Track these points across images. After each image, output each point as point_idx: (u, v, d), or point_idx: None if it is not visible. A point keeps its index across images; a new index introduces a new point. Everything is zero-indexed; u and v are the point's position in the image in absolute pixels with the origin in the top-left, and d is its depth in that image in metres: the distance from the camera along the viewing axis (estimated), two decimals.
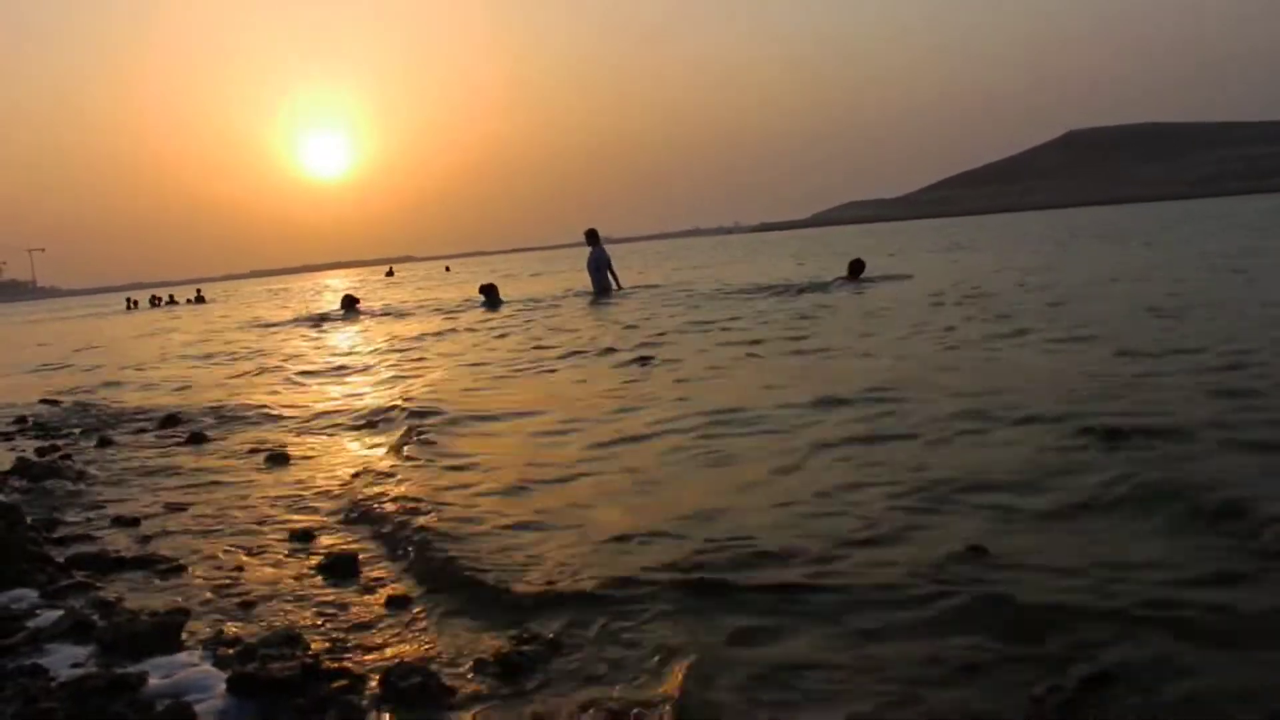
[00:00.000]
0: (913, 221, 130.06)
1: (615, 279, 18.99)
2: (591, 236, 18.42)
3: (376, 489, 4.94)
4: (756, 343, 9.67)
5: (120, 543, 4.40)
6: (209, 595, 3.59)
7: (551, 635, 2.91)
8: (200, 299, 44.10)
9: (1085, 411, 5.10)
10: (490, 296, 19.89)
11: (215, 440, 6.90)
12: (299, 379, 10.49)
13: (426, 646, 2.95)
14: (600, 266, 18.78)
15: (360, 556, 3.85)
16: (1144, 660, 2.47)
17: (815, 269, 22.11)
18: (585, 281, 19.60)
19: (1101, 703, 2.28)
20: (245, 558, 4.03)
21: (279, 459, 5.98)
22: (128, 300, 45.70)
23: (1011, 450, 4.59)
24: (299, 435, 6.90)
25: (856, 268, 16.98)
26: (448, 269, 69.91)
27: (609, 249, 19.48)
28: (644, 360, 8.91)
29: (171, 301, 43.36)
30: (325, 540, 4.19)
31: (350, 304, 21.60)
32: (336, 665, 2.81)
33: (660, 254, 56.21)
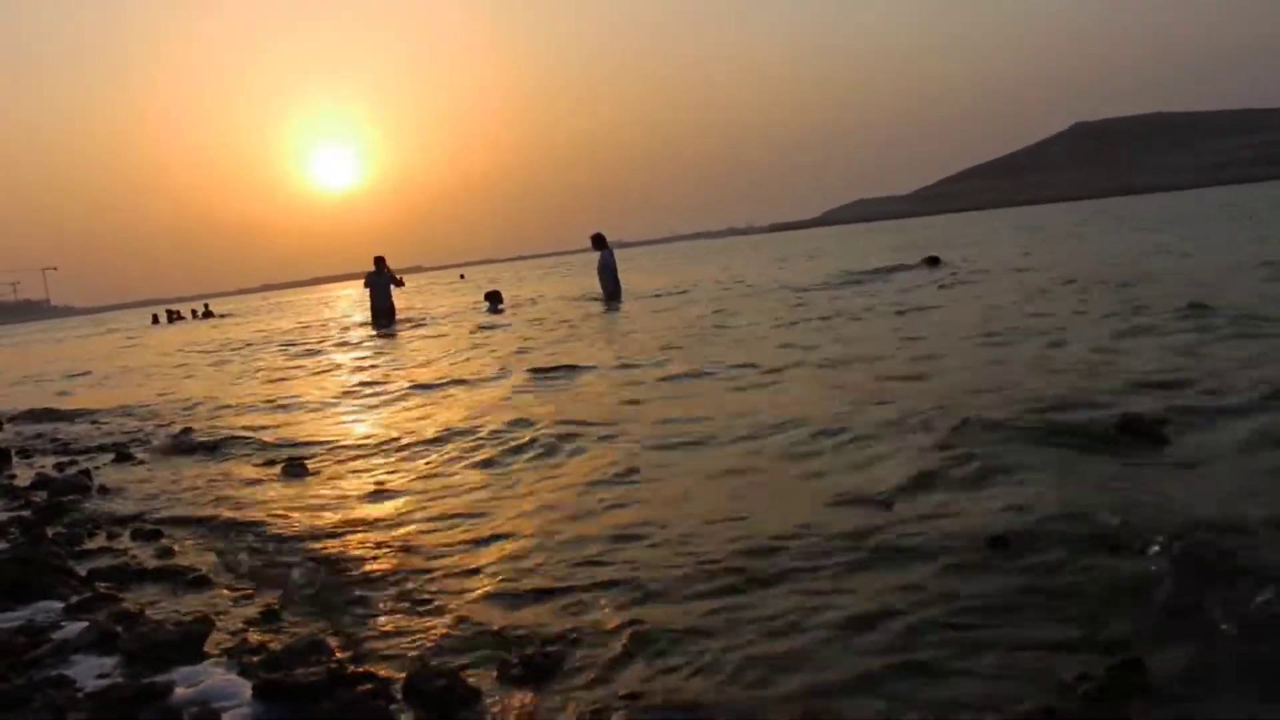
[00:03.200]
0: (929, 217, 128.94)
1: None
2: (598, 241, 18.31)
3: (400, 500, 4.95)
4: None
5: (142, 555, 4.41)
6: (232, 604, 3.60)
7: (576, 636, 2.90)
8: (208, 313, 44.46)
9: None
10: (493, 301, 21.41)
11: (232, 453, 6.90)
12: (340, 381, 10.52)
13: (451, 649, 2.94)
14: (611, 270, 18.67)
15: (382, 561, 3.85)
16: None
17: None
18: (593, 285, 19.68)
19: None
20: (266, 566, 4.03)
21: (295, 470, 5.97)
22: (154, 316, 46.46)
23: None
24: (317, 446, 6.88)
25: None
26: (462, 276, 70.16)
27: (617, 254, 19.46)
28: None
29: (179, 316, 44.06)
30: (345, 545, 4.18)
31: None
32: (362, 670, 2.80)
33: (688, 256, 55.00)
